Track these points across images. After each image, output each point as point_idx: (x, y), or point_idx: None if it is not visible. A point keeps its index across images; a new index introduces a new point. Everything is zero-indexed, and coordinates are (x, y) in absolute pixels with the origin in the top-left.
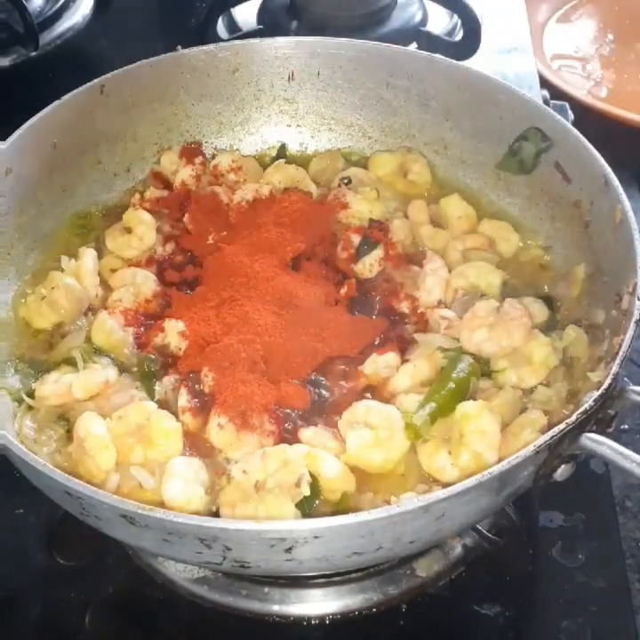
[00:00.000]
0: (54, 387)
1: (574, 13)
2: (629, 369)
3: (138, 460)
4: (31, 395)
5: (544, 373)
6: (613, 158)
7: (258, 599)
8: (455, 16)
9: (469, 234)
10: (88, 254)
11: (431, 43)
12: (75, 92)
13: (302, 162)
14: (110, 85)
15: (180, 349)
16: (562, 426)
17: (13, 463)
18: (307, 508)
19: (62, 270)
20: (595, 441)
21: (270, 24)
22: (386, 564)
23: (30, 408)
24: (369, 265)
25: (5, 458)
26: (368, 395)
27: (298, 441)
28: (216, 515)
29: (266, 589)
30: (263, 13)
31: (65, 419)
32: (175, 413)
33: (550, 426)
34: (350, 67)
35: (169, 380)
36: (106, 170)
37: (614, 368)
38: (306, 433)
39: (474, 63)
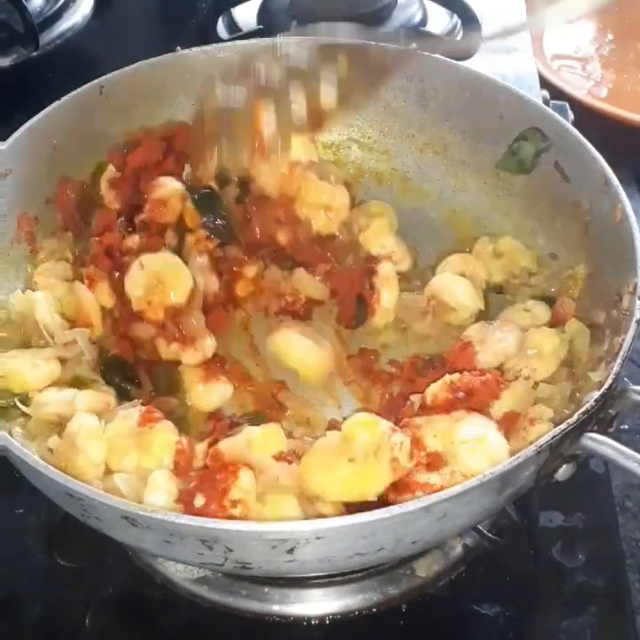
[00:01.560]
0: (57, 395)
1: None
2: (630, 369)
3: (130, 465)
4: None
5: (555, 364)
6: (613, 158)
7: (258, 599)
8: (455, 16)
9: None
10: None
11: (431, 43)
12: (75, 92)
13: None
14: (110, 85)
15: None
16: (563, 426)
17: (13, 463)
18: None
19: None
20: (596, 441)
21: (270, 24)
22: (386, 564)
23: (23, 415)
24: None
25: (5, 458)
26: None
27: None
28: None
29: (266, 589)
30: (263, 13)
31: (58, 429)
32: None
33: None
34: None
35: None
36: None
37: (615, 368)
38: None
39: (474, 63)
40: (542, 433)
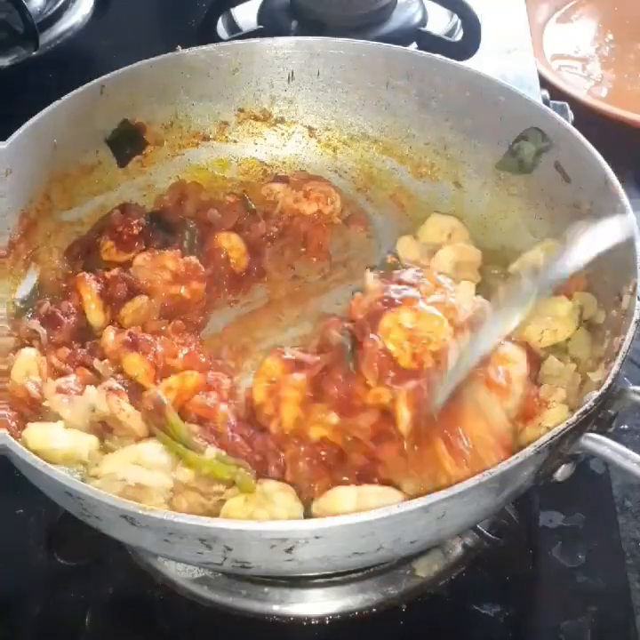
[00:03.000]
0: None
1: (574, 13)
2: (629, 369)
3: None
4: None
5: (573, 326)
6: (613, 158)
7: (258, 599)
8: (455, 16)
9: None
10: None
11: (431, 43)
12: (75, 92)
13: None
14: (110, 85)
15: None
16: (562, 426)
17: (13, 463)
18: None
19: None
20: (595, 441)
21: (270, 24)
22: (386, 564)
23: None
24: None
25: (5, 458)
26: None
27: None
28: None
29: (266, 589)
30: (263, 13)
31: None
32: None
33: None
34: (350, 67)
35: None
36: (106, 170)
37: (614, 368)
38: None
39: (474, 63)
40: (557, 418)
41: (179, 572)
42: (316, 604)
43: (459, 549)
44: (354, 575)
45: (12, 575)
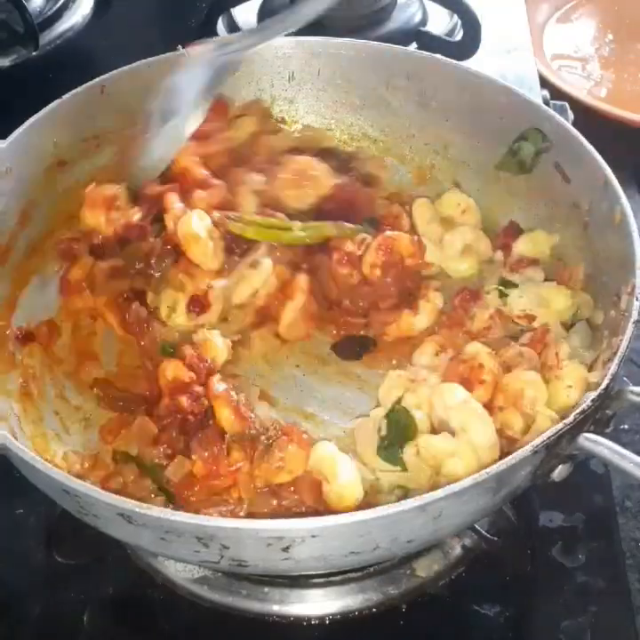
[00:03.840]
0: None
1: (574, 13)
2: (629, 369)
3: None
4: None
5: (553, 320)
6: (613, 158)
7: (258, 599)
8: (455, 16)
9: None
10: None
11: (431, 43)
12: (75, 91)
13: None
14: (110, 85)
15: None
16: (559, 426)
17: (13, 462)
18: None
19: None
20: (593, 441)
21: None
22: (386, 563)
23: None
24: None
25: (5, 458)
26: None
27: None
28: None
29: (266, 589)
30: (263, 13)
31: None
32: None
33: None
34: (350, 67)
35: None
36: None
37: (612, 368)
38: None
39: (474, 63)
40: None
41: (179, 571)
42: (316, 603)
43: (458, 549)
44: (354, 575)
45: (12, 575)
